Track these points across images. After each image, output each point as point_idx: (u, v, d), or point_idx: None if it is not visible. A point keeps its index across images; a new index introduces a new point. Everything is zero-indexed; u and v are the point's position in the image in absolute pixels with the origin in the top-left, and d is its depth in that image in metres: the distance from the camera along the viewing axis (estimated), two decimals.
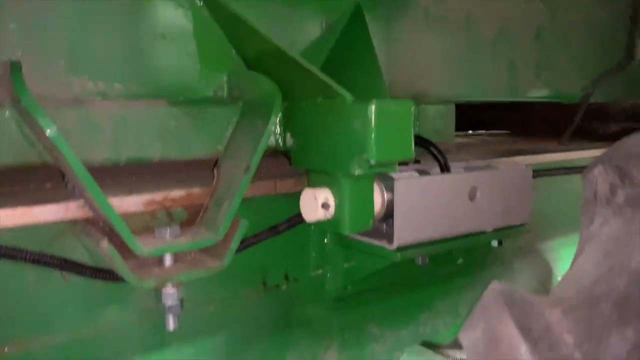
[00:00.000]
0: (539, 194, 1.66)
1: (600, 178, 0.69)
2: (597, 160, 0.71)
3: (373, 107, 0.84)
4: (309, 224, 1.11)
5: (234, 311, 1.01)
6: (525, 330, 0.49)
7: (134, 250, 0.77)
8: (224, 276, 0.99)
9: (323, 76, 0.89)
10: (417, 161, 1.24)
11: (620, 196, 0.65)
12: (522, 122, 2.30)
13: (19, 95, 0.71)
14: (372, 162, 0.85)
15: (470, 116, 2.24)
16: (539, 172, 1.60)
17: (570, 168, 1.75)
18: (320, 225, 1.00)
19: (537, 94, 1.70)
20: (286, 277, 1.09)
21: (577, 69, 1.83)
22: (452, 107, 1.43)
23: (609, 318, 0.49)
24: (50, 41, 0.84)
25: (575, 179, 1.81)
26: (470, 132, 2.47)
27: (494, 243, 1.19)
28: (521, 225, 1.20)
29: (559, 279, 1.78)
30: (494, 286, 0.59)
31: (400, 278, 1.26)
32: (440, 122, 1.40)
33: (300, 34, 1.10)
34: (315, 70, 0.90)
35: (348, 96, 0.88)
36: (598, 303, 0.52)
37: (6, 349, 0.78)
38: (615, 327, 0.48)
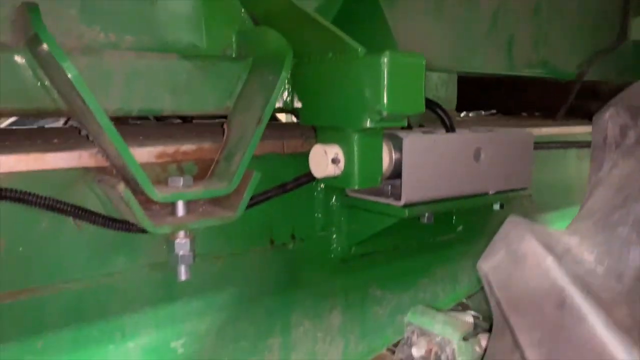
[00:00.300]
0: (536, 167, 1.70)
1: (611, 121, 0.71)
2: (608, 105, 0.73)
3: (386, 59, 0.85)
4: (316, 185, 1.12)
5: (242, 267, 1.02)
6: (549, 248, 0.50)
7: (149, 195, 0.77)
8: (232, 233, 1.00)
9: (335, 29, 0.90)
10: (421, 125, 1.26)
11: (631, 137, 0.67)
12: (516, 103, 2.33)
13: (40, 36, 0.71)
14: (384, 113, 0.86)
15: (463, 98, 2.27)
16: (537, 145, 1.63)
17: (567, 142, 1.78)
18: (329, 182, 1.01)
19: (534, 69, 1.72)
20: (293, 237, 1.10)
21: (572, 47, 1.85)
22: (454, 76, 1.44)
23: (627, 238, 0.51)
24: None
25: (571, 154, 1.84)
26: (464, 113, 2.49)
27: (496, 206, 1.21)
28: (522, 189, 1.22)
29: None
30: (512, 218, 0.61)
31: (401, 242, 1.27)
32: (442, 89, 1.41)
33: None
34: (327, 24, 0.90)
35: (360, 49, 0.88)
36: (615, 228, 0.53)
37: (20, 295, 0.78)
38: (634, 244, 0.50)
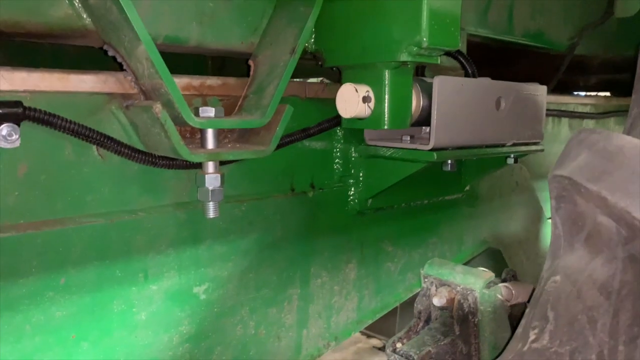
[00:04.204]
0: None
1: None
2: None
3: None
4: (336, 134, 1.09)
5: (264, 213, 0.98)
6: None
7: (185, 119, 0.72)
8: (255, 177, 0.96)
9: None
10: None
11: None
12: (506, 75, 2.35)
13: None
14: (425, 44, 0.84)
15: None
16: None
17: (561, 110, 1.82)
18: (356, 124, 0.98)
19: (531, 39, 1.74)
20: (312, 185, 1.06)
21: (565, 19, 1.89)
22: (464, 34, 1.44)
23: None
24: None
25: (564, 122, 1.88)
26: None
27: (510, 160, 1.21)
28: (535, 143, 1.23)
29: (549, 221, 1.85)
30: (581, 130, 0.59)
31: (413, 199, 1.26)
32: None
33: None
34: None
35: None
36: None
37: (42, 226, 0.72)
38: None
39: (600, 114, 2.00)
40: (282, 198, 1.01)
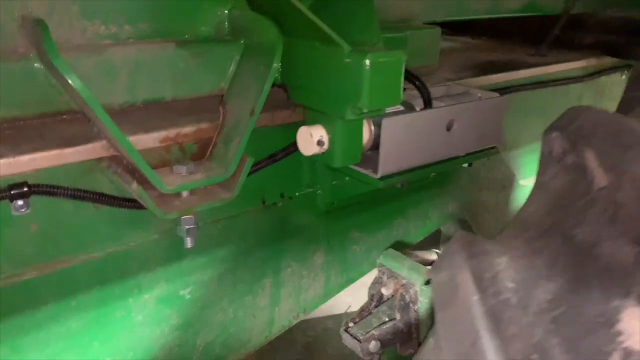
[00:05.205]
0: (509, 106, 1.80)
1: (556, 141, 0.82)
2: (555, 126, 0.84)
3: (368, 61, 0.93)
4: None
5: (238, 226, 1.17)
6: (478, 280, 0.65)
7: (158, 189, 0.90)
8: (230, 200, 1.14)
9: (322, 25, 0.96)
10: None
11: (570, 159, 0.79)
12: (504, 29, 2.34)
13: (49, 54, 0.78)
14: (365, 110, 0.96)
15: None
16: (512, 88, 1.72)
17: (541, 82, 1.87)
18: (314, 158, 1.13)
19: (521, 10, 1.75)
20: (282, 196, 1.24)
21: None
22: (438, 31, 1.49)
23: (539, 271, 0.66)
24: None
25: (545, 92, 1.93)
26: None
27: (465, 165, 1.35)
28: (492, 148, 1.35)
29: (520, 182, 1.98)
30: (460, 235, 0.75)
31: (380, 191, 1.42)
32: (426, 46, 1.47)
33: None
34: (315, 18, 0.96)
35: (345, 46, 0.95)
36: (535, 256, 0.68)
37: (53, 266, 0.94)
38: (544, 279, 0.64)
39: (589, 76, 2.03)
40: (254, 211, 1.19)
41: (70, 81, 0.78)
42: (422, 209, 1.59)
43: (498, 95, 1.33)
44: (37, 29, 0.79)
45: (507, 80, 1.67)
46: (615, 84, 2.15)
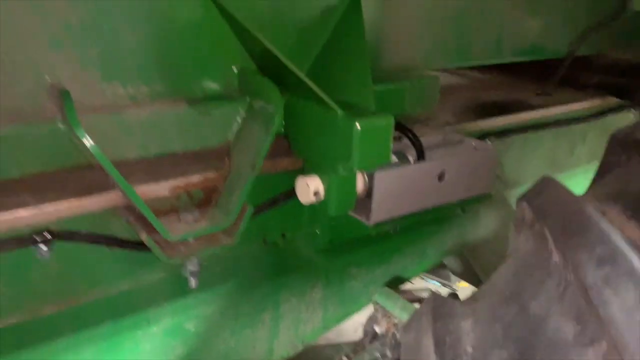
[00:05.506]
0: (511, 147, 1.87)
1: (526, 210, 0.89)
2: (525, 197, 0.91)
3: (358, 125, 1.01)
4: None
5: (240, 264, 1.27)
6: (440, 344, 0.73)
7: (164, 236, 1.00)
8: None
9: (317, 90, 1.05)
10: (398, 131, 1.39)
11: (537, 227, 0.86)
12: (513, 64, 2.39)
13: (70, 122, 0.89)
14: (355, 169, 1.05)
15: None
16: (513, 131, 1.79)
17: (543, 124, 1.92)
18: (311, 205, 1.21)
19: (523, 54, 1.81)
20: (283, 235, 1.33)
21: (564, 25, 1.90)
22: (437, 82, 1.56)
23: (496, 338, 0.73)
24: (86, 55, 0.98)
25: (548, 133, 1.98)
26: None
27: (457, 211, 1.42)
28: (484, 194, 1.42)
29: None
30: (430, 299, 0.82)
31: (377, 232, 1.50)
32: (425, 94, 1.54)
33: (304, 12, 1.21)
34: (311, 83, 1.05)
35: (339, 110, 1.04)
36: (494, 323, 0.75)
37: (70, 302, 1.04)
38: (498, 348, 0.72)
39: (593, 116, 2.07)
40: (256, 250, 1.29)
41: (86, 144, 0.88)
42: (419, 246, 1.67)
43: (492, 146, 1.40)
44: (62, 97, 0.90)
45: (508, 123, 1.73)
46: (622, 124, 2.19)
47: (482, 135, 1.67)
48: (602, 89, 2.15)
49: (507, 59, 1.77)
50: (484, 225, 1.86)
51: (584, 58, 2.15)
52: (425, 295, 1.43)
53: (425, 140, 1.35)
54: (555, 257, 0.77)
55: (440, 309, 0.80)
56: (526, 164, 1.96)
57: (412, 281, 2.09)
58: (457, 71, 2.39)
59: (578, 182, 2.19)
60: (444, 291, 3.09)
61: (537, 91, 2.13)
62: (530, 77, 2.33)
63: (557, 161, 2.07)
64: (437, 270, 1.83)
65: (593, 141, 2.16)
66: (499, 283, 0.86)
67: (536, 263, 0.82)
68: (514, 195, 1.95)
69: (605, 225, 0.70)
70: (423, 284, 3.23)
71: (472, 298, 0.87)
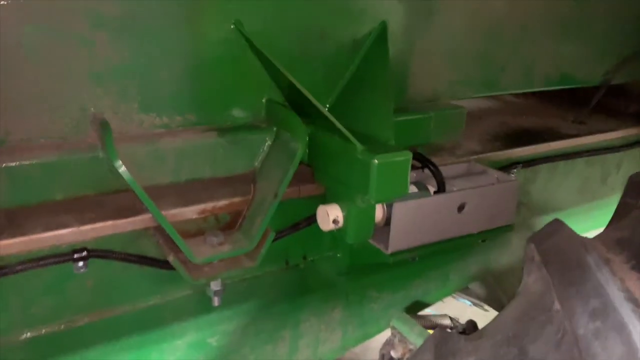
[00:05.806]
0: (539, 174, 1.86)
1: (535, 252, 0.92)
2: (535, 238, 0.93)
3: (376, 161, 1.05)
4: None
5: (262, 284, 1.33)
6: None
7: (190, 259, 1.07)
8: None
9: (339, 125, 1.10)
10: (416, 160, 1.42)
11: (544, 270, 0.88)
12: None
13: (107, 151, 0.97)
14: (373, 201, 1.09)
15: None
16: (543, 159, 1.78)
17: (574, 153, 1.91)
18: (331, 232, 1.26)
19: (554, 83, 1.81)
20: (304, 258, 1.38)
21: (598, 53, 1.89)
22: (463, 112, 1.58)
23: None
24: (126, 88, 1.07)
25: (579, 161, 1.96)
26: None
27: (479, 241, 1.44)
28: (505, 226, 1.43)
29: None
30: (434, 335, 0.86)
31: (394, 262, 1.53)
32: (450, 125, 1.56)
33: (332, 48, 1.26)
34: (333, 119, 1.10)
35: (358, 145, 1.09)
36: None
37: (103, 315, 1.13)
38: None
39: (627, 146, 2.04)
40: (278, 272, 1.35)
41: (121, 172, 0.96)
42: (442, 272, 1.68)
43: (514, 178, 1.42)
44: (102, 128, 0.99)
45: (535, 153, 1.73)
46: None
47: (510, 164, 1.68)
48: (638, 117, 2.11)
49: (538, 88, 1.77)
50: (508, 252, 1.86)
51: (618, 85, 2.12)
52: (444, 322, 1.45)
53: (447, 170, 1.39)
54: (557, 305, 0.80)
55: (443, 346, 0.83)
56: (555, 191, 1.95)
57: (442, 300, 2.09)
58: (492, 95, 2.38)
59: (610, 211, 2.15)
60: (473, 311, 3.06)
61: (571, 118, 2.11)
62: (564, 102, 2.30)
63: (588, 190, 2.04)
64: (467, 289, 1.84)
65: (628, 170, 2.12)
66: (504, 322, 0.88)
67: (540, 307, 0.84)
68: (540, 223, 1.94)
69: (603, 277, 0.72)
70: (453, 303, 3.21)
71: (478, 334, 0.90)
